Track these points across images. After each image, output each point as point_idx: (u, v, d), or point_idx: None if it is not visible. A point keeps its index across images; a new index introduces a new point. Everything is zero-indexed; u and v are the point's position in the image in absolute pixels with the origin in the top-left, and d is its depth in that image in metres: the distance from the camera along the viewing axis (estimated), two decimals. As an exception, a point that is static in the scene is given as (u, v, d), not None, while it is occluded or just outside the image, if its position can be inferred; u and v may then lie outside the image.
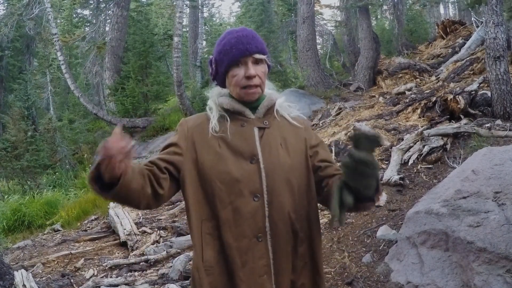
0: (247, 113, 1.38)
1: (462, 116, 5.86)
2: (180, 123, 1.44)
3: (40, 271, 4.23)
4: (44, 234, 6.08)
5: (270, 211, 1.30)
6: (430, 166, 4.77)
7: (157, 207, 1.46)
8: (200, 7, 17.27)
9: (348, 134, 1.08)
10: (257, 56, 1.34)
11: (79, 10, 17.90)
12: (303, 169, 1.37)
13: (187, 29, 20.90)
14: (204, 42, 18.67)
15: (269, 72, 1.43)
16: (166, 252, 4.26)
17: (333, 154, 5.77)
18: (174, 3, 18.06)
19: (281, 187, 1.31)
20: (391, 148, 5.27)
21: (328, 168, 1.39)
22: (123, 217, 5.25)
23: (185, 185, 1.34)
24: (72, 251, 4.68)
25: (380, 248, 3.47)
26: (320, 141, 1.47)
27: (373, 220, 3.98)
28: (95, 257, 4.54)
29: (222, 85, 1.42)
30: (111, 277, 3.92)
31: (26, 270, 3.94)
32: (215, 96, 1.43)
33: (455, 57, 10.18)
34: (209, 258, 1.30)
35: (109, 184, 1.17)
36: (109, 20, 15.11)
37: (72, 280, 3.89)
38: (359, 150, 1.10)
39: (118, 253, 4.71)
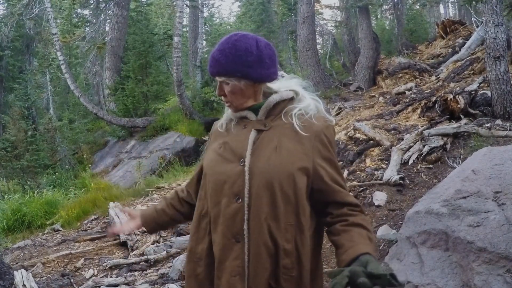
0: (249, 115, 1.41)
1: (462, 116, 5.86)
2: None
3: (40, 271, 4.23)
4: (44, 234, 6.09)
5: (249, 214, 1.30)
6: (430, 166, 4.77)
7: None
8: (200, 7, 17.24)
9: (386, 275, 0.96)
10: (219, 78, 1.38)
11: (79, 10, 17.88)
12: (295, 178, 1.29)
13: (187, 29, 20.88)
14: (204, 42, 18.66)
15: (257, 82, 1.37)
16: (166, 252, 4.26)
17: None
18: (174, 3, 18.06)
19: (261, 191, 1.29)
20: (391, 148, 5.27)
21: (336, 194, 1.33)
22: (123, 217, 5.25)
23: None
24: (72, 251, 4.69)
25: (380, 248, 3.47)
26: (329, 155, 1.36)
27: (373, 220, 3.98)
28: (95, 257, 4.54)
29: None
30: (111, 277, 3.93)
31: (26, 270, 3.94)
32: None
33: (455, 57, 10.17)
34: (200, 251, 1.40)
35: None
36: (109, 20, 15.09)
37: (72, 280, 3.89)
38: (378, 282, 1.12)
39: (118, 253, 4.71)
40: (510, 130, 5.04)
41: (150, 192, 7.05)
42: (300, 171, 1.31)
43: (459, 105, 5.88)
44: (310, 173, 1.32)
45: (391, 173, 4.64)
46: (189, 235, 1.50)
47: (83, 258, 4.46)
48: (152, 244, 4.64)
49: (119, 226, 1.70)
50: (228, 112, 1.46)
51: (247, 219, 1.30)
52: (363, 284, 1.10)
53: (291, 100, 1.39)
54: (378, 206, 4.24)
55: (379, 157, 5.30)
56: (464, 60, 9.26)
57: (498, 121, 5.43)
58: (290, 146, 1.32)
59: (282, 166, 1.30)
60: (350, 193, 1.40)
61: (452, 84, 7.93)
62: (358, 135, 5.93)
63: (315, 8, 13.63)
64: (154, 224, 1.60)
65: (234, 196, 1.32)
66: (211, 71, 1.39)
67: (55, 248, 4.99)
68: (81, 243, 5.14)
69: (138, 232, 4.90)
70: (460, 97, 5.96)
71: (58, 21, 16.21)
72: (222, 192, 1.34)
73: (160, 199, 6.60)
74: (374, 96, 9.78)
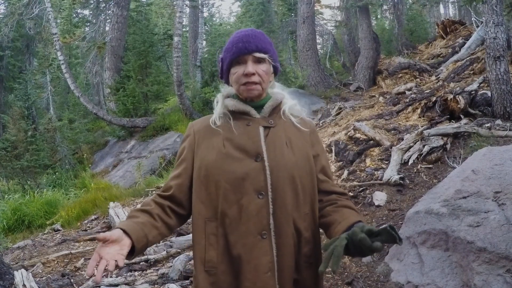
0: (252, 112, 1.41)
1: (462, 116, 5.86)
2: (188, 127, 1.50)
3: (40, 271, 4.23)
4: (44, 234, 6.09)
5: (274, 208, 1.32)
6: (430, 166, 4.77)
7: (186, 221, 1.52)
8: (200, 7, 17.23)
9: (388, 225, 0.97)
10: (257, 54, 1.36)
11: (79, 10, 17.88)
12: (307, 169, 1.39)
13: (187, 29, 20.90)
14: (204, 42, 18.65)
15: (277, 74, 1.48)
16: (166, 252, 4.26)
17: (333, 154, 5.77)
18: (174, 3, 18.06)
19: (284, 185, 1.33)
20: (391, 148, 5.27)
21: (325, 183, 1.44)
22: (123, 217, 5.25)
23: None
24: (72, 251, 4.69)
25: (380, 248, 3.46)
26: (322, 149, 1.49)
27: (373, 220, 3.98)
28: (95, 257, 4.53)
29: (228, 82, 1.47)
30: (111, 277, 3.92)
31: (26, 270, 3.94)
32: (223, 95, 1.48)
33: (455, 57, 10.18)
34: (211, 259, 1.32)
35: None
36: (109, 20, 15.10)
37: (72, 280, 3.89)
38: (377, 240, 1.10)
39: (118, 253, 4.70)
40: (510, 130, 5.04)
41: (150, 192, 7.05)
42: (311, 163, 1.41)
43: (459, 105, 5.88)
44: (313, 162, 1.43)
45: (391, 173, 4.64)
46: (189, 235, 1.49)
47: (83, 258, 4.46)
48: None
49: (103, 263, 1.16)
50: (222, 106, 1.43)
51: (272, 213, 1.31)
52: (363, 239, 1.10)
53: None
54: (378, 206, 4.24)
55: (379, 157, 5.30)
56: (464, 60, 9.27)
57: (498, 121, 5.43)
58: (297, 142, 1.41)
59: (298, 160, 1.38)
60: (337, 184, 1.52)
61: (452, 84, 7.93)
62: (358, 135, 5.93)
63: (315, 8, 13.62)
64: (145, 241, 1.29)
65: (256, 192, 1.31)
66: (247, 46, 1.35)
67: (55, 248, 4.99)
68: (81, 243, 5.14)
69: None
70: (460, 97, 5.96)
71: (58, 21, 16.20)
72: (241, 190, 1.31)
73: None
74: (374, 96, 9.79)
